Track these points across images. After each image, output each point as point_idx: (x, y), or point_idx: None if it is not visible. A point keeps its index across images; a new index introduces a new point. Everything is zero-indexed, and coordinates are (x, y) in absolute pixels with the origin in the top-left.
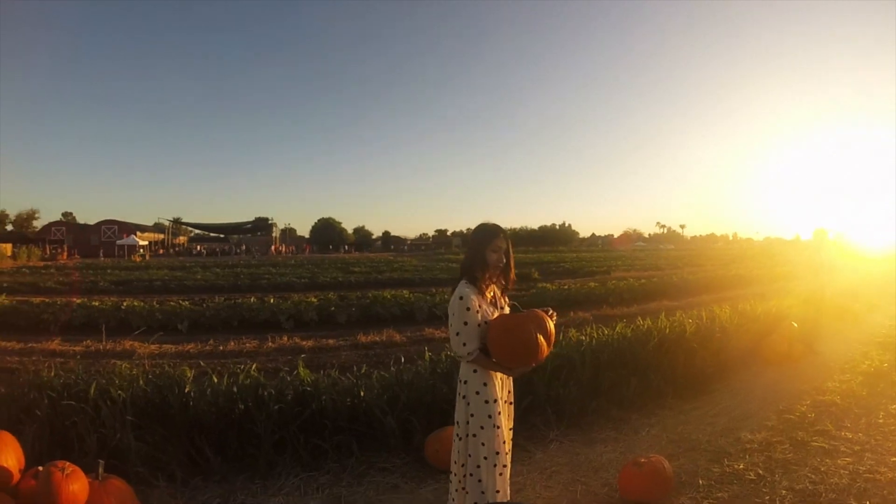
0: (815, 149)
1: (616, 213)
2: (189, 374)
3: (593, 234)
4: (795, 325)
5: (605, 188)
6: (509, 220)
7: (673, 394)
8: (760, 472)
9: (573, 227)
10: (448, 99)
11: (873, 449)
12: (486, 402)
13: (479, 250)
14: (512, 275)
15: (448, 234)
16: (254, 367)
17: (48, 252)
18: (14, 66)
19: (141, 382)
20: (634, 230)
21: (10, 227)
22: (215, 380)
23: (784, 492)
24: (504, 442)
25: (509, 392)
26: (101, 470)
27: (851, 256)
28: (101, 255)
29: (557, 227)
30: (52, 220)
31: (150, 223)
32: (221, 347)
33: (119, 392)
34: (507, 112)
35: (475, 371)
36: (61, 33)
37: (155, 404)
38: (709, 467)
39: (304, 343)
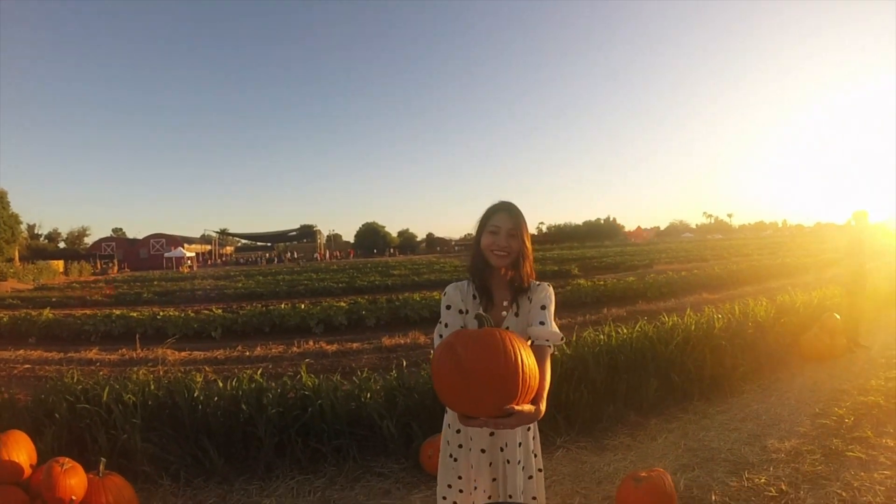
0: (868, 131)
1: (662, 204)
2: (199, 380)
3: (639, 227)
4: (838, 316)
5: (650, 180)
6: (554, 216)
7: (699, 396)
8: (784, 486)
9: (618, 221)
10: (487, 99)
11: None
12: (448, 425)
13: (477, 237)
14: (525, 268)
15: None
16: (259, 371)
17: (99, 267)
18: (59, 89)
19: (152, 387)
20: (681, 221)
21: (62, 245)
22: (221, 384)
23: None
24: (460, 477)
25: (507, 445)
26: (101, 467)
27: None
28: (150, 267)
29: (602, 221)
30: (102, 237)
31: (198, 235)
32: (248, 353)
33: (129, 396)
34: (551, 108)
35: None
36: (102, 53)
37: (166, 407)
38: (725, 480)
39: (329, 347)
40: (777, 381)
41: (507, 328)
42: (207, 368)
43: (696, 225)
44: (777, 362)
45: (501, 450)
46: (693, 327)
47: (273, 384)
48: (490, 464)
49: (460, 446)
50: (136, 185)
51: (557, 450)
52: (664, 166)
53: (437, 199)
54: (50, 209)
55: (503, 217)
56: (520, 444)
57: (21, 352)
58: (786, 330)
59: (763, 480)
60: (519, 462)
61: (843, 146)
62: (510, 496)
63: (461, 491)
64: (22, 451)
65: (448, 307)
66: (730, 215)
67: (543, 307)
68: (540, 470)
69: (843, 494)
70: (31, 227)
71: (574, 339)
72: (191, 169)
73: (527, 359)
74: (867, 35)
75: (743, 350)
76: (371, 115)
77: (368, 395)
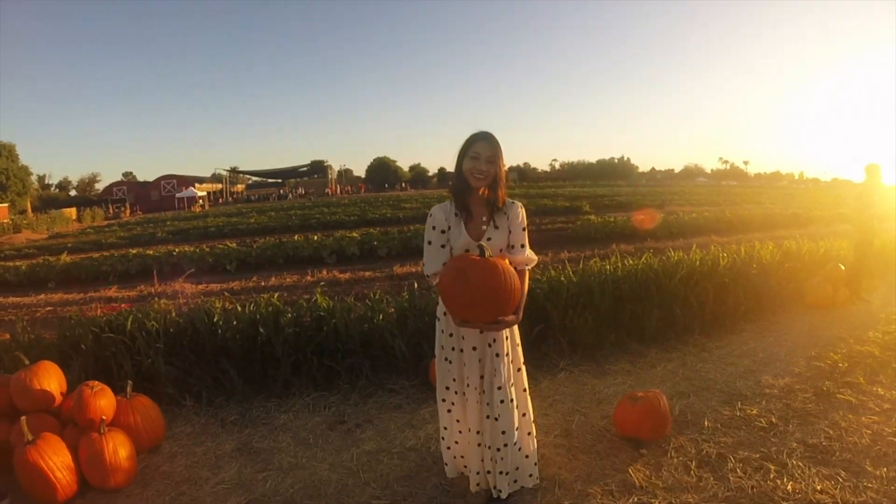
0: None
1: (677, 147)
2: (218, 306)
3: (653, 169)
4: (843, 267)
5: (666, 121)
6: (567, 153)
7: (699, 330)
8: (774, 420)
9: (632, 161)
10: (501, 31)
11: None
12: (442, 331)
13: (458, 161)
14: (500, 190)
15: (504, 168)
16: (276, 296)
17: (111, 212)
18: (63, 41)
19: (173, 315)
20: (696, 165)
21: (73, 193)
22: (240, 309)
23: (795, 444)
24: (455, 379)
25: (495, 340)
26: (129, 389)
27: None
28: (162, 209)
29: (616, 160)
30: (113, 181)
31: (208, 174)
32: (263, 283)
33: (152, 324)
34: (569, 41)
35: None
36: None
37: (187, 333)
38: (719, 409)
39: (342, 276)
40: (776, 323)
41: (490, 239)
42: (226, 295)
43: (711, 170)
44: (778, 306)
45: (490, 345)
46: (698, 263)
47: (289, 308)
48: (479, 360)
49: (453, 349)
50: (145, 127)
51: (560, 372)
52: (682, 108)
53: (449, 134)
54: (59, 158)
55: (483, 145)
56: (506, 337)
57: (42, 296)
58: (790, 276)
59: (755, 412)
60: (507, 354)
61: (868, 103)
62: (499, 388)
63: (457, 392)
64: (52, 379)
65: (433, 227)
66: (746, 163)
67: (523, 228)
68: (524, 363)
69: (830, 432)
70: (41, 178)
71: (580, 267)
72: (199, 108)
73: (515, 283)
74: None
75: (746, 290)
76: (382, 48)
77: (381, 316)
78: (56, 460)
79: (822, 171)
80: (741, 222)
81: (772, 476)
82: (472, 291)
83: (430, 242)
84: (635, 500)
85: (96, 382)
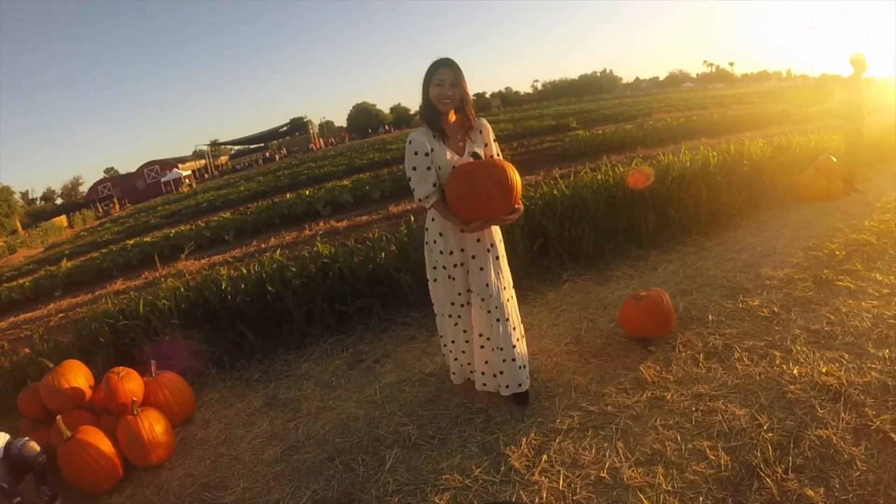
0: None
1: (660, 54)
2: (224, 273)
3: (637, 79)
4: (834, 159)
5: (646, 28)
6: (549, 73)
7: (696, 230)
8: (776, 309)
9: (615, 73)
10: None
11: None
12: (441, 252)
13: (425, 90)
14: (469, 110)
15: (486, 95)
16: (277, 252)
17: (101, 210)
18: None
19: (182, 290)
20: (681, 70)
21: (59, 201)
22: (245, 271)
23: (798, 331)
24: (460, 293)
25: (492, 245)
26: (153, 368)
27: None
28: (150, 196)
29: (598, 74)
30: (96, 180)
31: (189, 152)
32: (263, 245)
33: (164, 302)
34: None
35: (433, 220)
36: None
37: (199, 305)
38: (722, 303)
39: (339, 224)
40: (772, 217)
41: (474, 152)
42: (230, 262)
43: (697, 74)
44: (773, 201)
45: (488, 250)
46: (688, 164)
47: (292, 262)
48: (481, 268)
49: (455, 266)
50: (116, 118)
51: (564, 283)
52: (662, 12)
53: (426, 65)
54: (37, 170)
55: (445, 71)
56: (500, 240)
57: (51, 305)
58: (782, 170)
59: (757, 303)
60: (504, 255)
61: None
62: (504, 288)
63: (463, 305)
64: (79, 376)
65: (416, 153)
66: (731, 64)
67: (494, 140)
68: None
69: (832, 318)
70: (24, 195)
71: (573, 180)
72: (169, 86)
73: (517, 175)
74: None
75: (739, 188)
76: None
77: (383, 254)
78: (97, 449)
79: (811, 68)
80: (730, 123)
81: (778, 362)
82: (488, 188)
83: (414, 168)
84: (649, 395)
85: (122, 368)
